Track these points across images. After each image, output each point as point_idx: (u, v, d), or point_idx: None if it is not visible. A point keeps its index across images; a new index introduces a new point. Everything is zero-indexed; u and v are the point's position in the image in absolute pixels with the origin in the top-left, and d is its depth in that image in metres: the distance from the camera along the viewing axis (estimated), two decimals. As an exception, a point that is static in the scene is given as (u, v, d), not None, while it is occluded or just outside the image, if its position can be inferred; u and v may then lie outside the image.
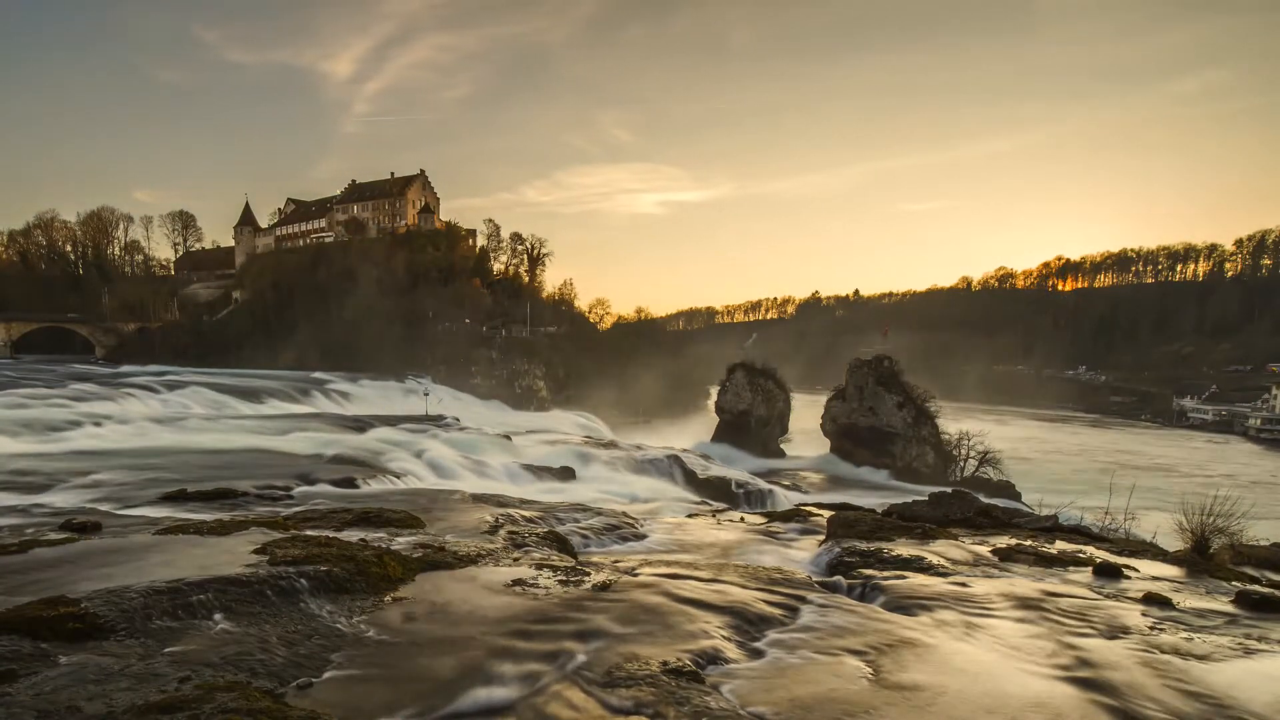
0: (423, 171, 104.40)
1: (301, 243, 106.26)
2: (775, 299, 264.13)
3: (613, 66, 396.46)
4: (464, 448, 31.08)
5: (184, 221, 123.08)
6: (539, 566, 5.80)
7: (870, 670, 3.93)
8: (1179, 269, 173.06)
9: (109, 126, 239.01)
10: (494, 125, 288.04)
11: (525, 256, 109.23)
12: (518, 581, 5.26)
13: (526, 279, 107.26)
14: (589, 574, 5.57)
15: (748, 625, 4.69)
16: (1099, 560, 6.66)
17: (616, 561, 6.65)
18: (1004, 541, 7.78)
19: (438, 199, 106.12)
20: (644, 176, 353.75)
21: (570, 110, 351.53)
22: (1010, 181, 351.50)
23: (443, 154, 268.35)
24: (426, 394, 60.39)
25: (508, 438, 37.98)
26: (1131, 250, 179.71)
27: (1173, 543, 8.71)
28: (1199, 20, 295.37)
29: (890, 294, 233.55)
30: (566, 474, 30.81)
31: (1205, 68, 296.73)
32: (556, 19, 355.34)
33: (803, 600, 5.29)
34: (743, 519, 10.36)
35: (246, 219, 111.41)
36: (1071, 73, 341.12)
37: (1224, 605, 5.50)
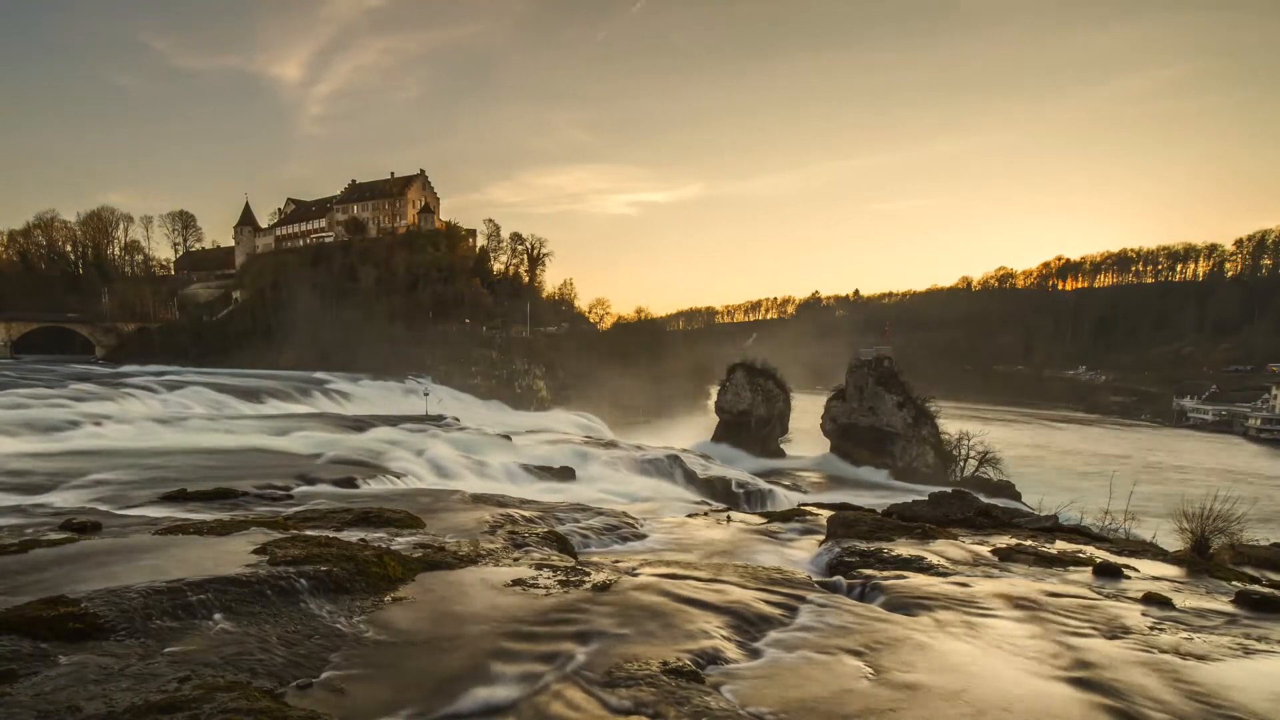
0: (422, 171, 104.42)
1: (301, 243, 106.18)
2: (775, 299, 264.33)
3: (557, 68, 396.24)
4: (464, 447, 31.07)
5: (184, 221, 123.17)
6: (539, 566, 5.80)
7: (870, 670, 3.93)
8: (1179, 269, 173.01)
9: (76, 129, 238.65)
10: (449, 128, 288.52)
11: (525, 256, 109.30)
12: (518, 581, 5.26)
13: (526, 279, 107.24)
14: (589, 574, 5.57)
15: (748, 625, 4.69)
16: (1099, 560, 6.66)
17: (617, 561, 6.65)
18: (1004, 541, 7.78)
19: (438, 199, 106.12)
20: (611, 177, 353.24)
21: (522, 111, 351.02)
22: (986, 181, 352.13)
23: (400, 157, 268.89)
24: (426, 394, 60.38)
25: (508, 438, 37.97)
26: (1131, 250, 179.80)
27: (1173, 543, 8.71)
28: (1195, 9, 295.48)
29: (890, 294, 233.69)
30: (566, 474, 30.79)
31: (1198, 58, 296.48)
32: (493, 22, 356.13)
33: (802, 600, 5.29)
34: (743, 519, 10.36)
35: (246, 219, 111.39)
36: (1054, 66, 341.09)
37: (1224, 605, 5.50)
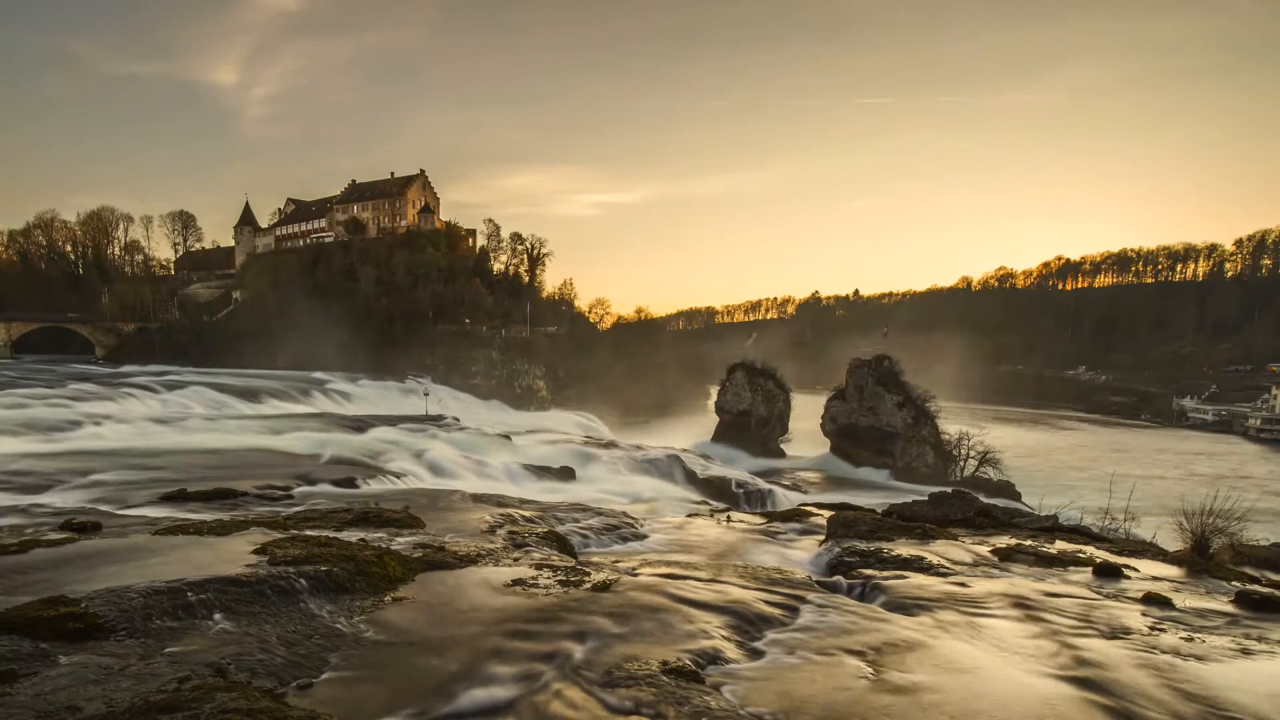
0: (422, 171, 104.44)
1: (301, 243, 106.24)
2: (775, 299, 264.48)
3: (485, 69, 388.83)
4: (464, 447, 31.10)
5: (184, 221, 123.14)
6: (539, 566, 5.80)
7: (870, 670, 3.93)
8: (1179, 269, 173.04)
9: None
10: (386, 130, 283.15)
11: (525, 256, 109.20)
12: (518, 581, 5.26)
13: (526, 279, 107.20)
14: (589, 574, 5.57)
15: (748, 625, 4.69)
16: (1099, 560, 6.66)
17: (616, 561, 6.65)
18: (1004, 541, 7.78)
19: (438, 199, 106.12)
20: (569, 178, 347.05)
21: (459, 113, 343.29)
22: (986, 180, 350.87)
23: (345, 160, 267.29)
24: (426, 394, 60.40)
25: (508, 437, 37.99)
26: (1131, 250, 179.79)
27: (1173, 543, 8.71)
28: (1195, 9, 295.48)
29: (890, 294, 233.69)
30: (566, 474, 30.81)
31: (1199, 56, 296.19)
32: (410, 27, 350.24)
33: (802, 600, 5.29)
34: (743, 519, 10.36)
35: (246, 219, 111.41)
36: (1056, 65, 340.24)
37: (1224, 605, 5.50)
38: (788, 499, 34.46)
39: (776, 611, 5.00)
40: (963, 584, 5.92)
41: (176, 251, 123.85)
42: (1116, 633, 4.72)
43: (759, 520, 10.18)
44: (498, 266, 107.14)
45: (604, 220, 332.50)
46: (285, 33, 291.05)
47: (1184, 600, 5.57)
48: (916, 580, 6.01)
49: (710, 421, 73.87)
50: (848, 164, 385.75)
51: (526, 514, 9.30)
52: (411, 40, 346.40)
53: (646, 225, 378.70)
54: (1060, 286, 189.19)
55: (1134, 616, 5.09)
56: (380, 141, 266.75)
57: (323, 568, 4.88)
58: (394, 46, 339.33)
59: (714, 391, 76.52)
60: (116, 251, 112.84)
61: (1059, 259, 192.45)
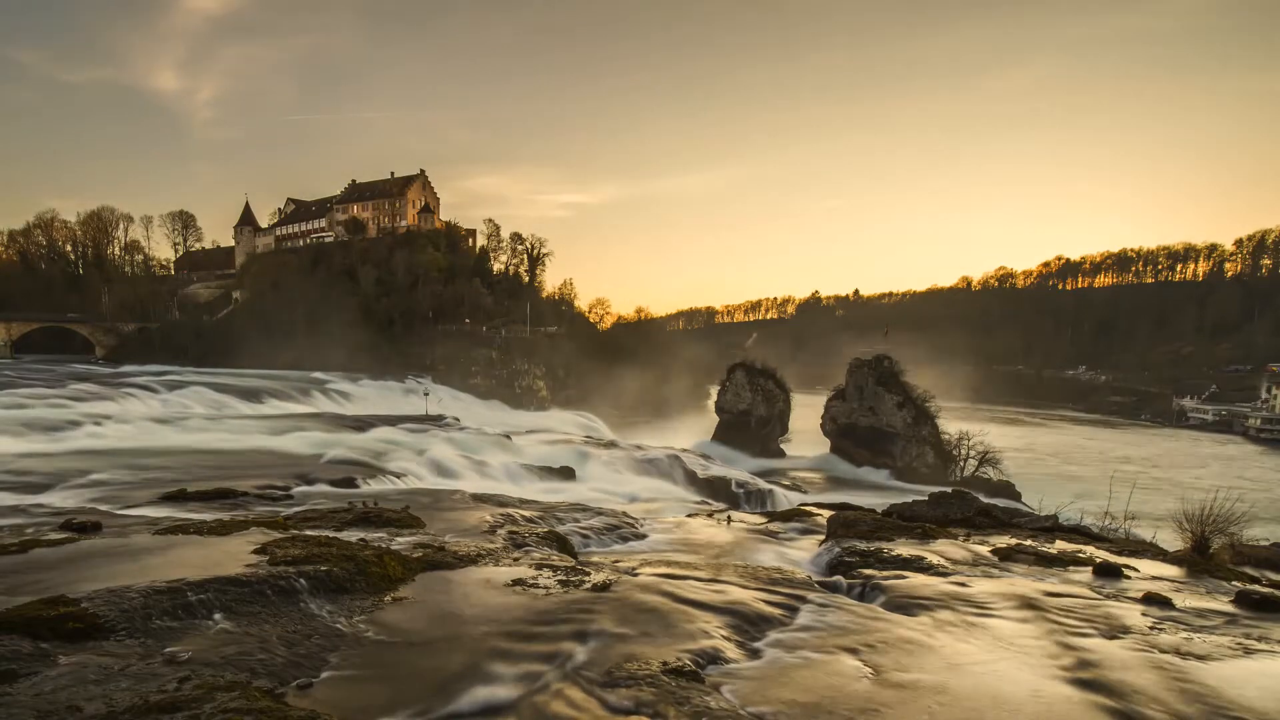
0: (423, 171, 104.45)
1: (301, 243, 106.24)
2: (775, 299, 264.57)
3: (425, 72, 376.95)
4: (464, 447, 31.10)
5: (184, 221, 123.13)
6: (539, 566, 5.80)
7: (870, 670, 3.93)
8: (1179, 269, 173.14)
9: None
10: (329, 133, 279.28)
11: (525, 256, 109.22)
12: (518, 581, 5.26)
13: (526, 279, 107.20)
14: (589, 574, 5.57)
15: (748, 625, 4.69)
16: (1099, 560, 6.66)
17: (616, 561, 6.65)
18: (1004, 541, 7.78)
19: (438, 199, 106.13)
20: (534, 179, 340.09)
21: (404, 114, 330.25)
22: (988, 179, 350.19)
23: (295, 164, 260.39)
24: (426, 394, 60.42)
25: (508, 437, 37.99)
26: (1131, 250, 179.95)
27: (1173, 543, 8.70)
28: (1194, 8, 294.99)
29: (890, 294, 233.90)
30: (566, 474, 30.82)
31: (1200, 55, 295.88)
32: (341, 30, 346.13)
33: (803, 600, 5.29)
34: (743, 519, 10.36)
35: (246, 219, 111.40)
36: (1054, 61, 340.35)
37: (1224, 605, 5.50)
38: (788, 499, 34.46)
39: (776, 611, 5.00)
40: (963, 584, 5.92)
41: (176, 251, 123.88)
42: (1116, 632, 4.72)
43: (759, 520, 10.18)
44: (497, 266, 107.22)
45: (574, 220, 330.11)
46: (217, 37, 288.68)
47: (1184, 600, 5.56)
48: (916, 580, 6.01)
49: (710, 421, 73.91)
50: (847, 164, 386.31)
51: (526, 514, 9.31)
52: (341, 43, 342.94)
53: (625, 223, 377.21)
54: (1060, 286, 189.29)
55: (1134, 616, 5.09)
56: (324, 145, 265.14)
57: (323, 568, 4.88)
58: (326, 49, 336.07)
59: (714, 391, 76.58)
60: (116, 251, 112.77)
61: (1059, 259, 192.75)
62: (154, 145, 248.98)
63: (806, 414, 71.63)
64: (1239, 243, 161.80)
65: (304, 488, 15.50)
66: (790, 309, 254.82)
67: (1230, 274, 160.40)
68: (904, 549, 7.09)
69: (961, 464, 57.54)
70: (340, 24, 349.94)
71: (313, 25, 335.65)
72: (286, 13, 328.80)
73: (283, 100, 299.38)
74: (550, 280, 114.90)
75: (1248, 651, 4.42)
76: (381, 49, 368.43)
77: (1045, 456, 78.72)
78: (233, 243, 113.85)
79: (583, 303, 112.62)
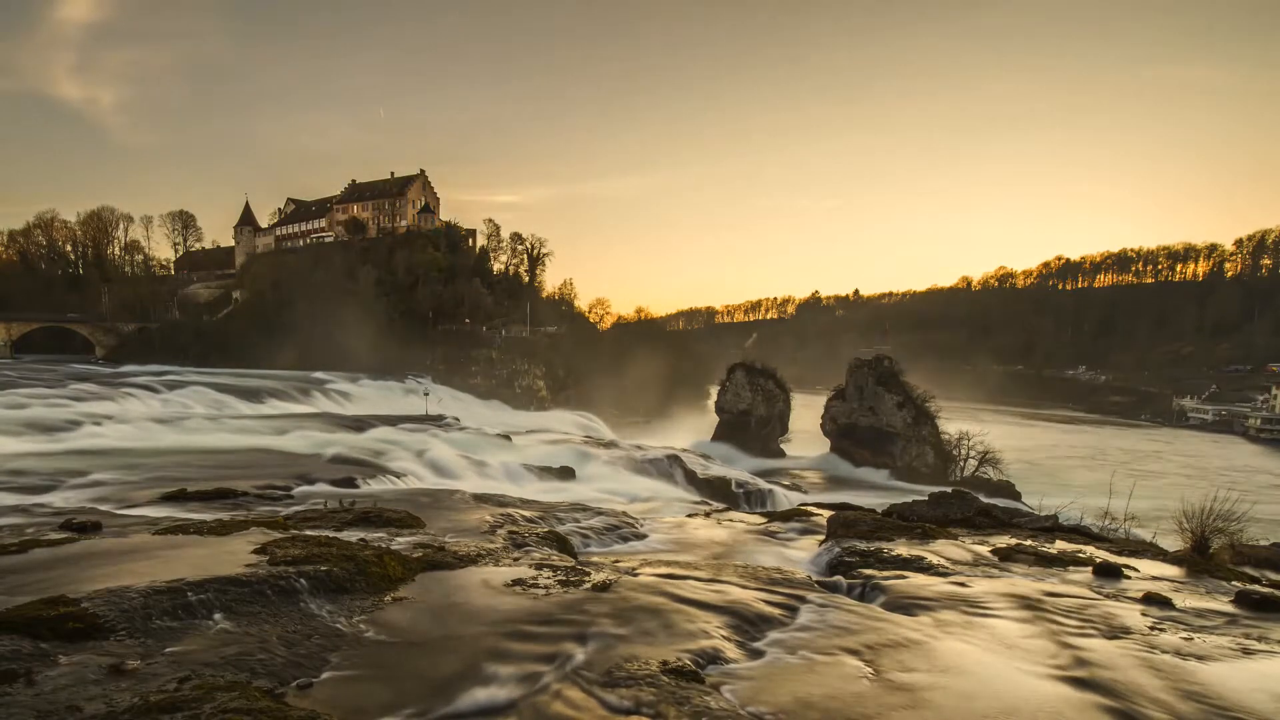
0: (423, 171, 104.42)
1: (301, 243, 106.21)
2: (775, 299, 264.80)
3: (317, 69, 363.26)
4: (464, 447, 31.07)
5: (184, 221, 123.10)
6: (539, 566, 5.80)
7: (870, 670, 3.93)
8: (1179, 269, 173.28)
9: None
10: (239, 138, 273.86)
11: (525, 256, 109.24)
12: (518, 581, 5.26)
13: (526, 279, 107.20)
14: (589, 574, 5.56)
15: (748, 625, 4.69)
16: (1099, 560, 6.66)
17: (616, 561, 6.65)
18: (1004, 541, 7.78)
19: (438, 199, 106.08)
20: (482, 176, 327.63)
21: (310, 116, 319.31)
22: (988, 178, 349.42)
23: (174, 170, 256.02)
24: (426, 394, 60.41)
25: (508, 437, 38.00)
26: (1131, 250, 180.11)
27: (1173, 543, 8.71)
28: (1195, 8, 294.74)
29: (890, 294, 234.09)
30: (566, 474, 30.79)
31: (1202, 56, 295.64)
32: (213, 35, 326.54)
33: (802, 600, 5.29)
34: (743, 519, 10.36)
35: (246, 219, 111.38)
36: (1053, 59, 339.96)
37: (1224, 605, 5.50)
38: (788, 499, 34.49)
39: (776, 611, 5.00)
40: (963, 584, 5.92)
41: (176, 251, 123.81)
42: (1116, 632, 4.72)
43: (759, 520, 10.18)
44: (497, 266, 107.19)
45: (574, 218, 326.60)
46: (97, 43, 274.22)
47: (1184, 600, 5.56)
48: (916, 580, 6.01)
49: (710, 421, 73.92)
50: (847, 164, 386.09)
51: (527, 514, 9.31)
52: (215, 48, 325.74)
53: (626, 222, 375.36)
54: (1060, 286, 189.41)
55: (1134, 616, 5.09)
56: (229, 147, 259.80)
57: (323, 567, 4.88)
58: (209, 52, 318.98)
59: (714, 391, 76.62)
60: (116, 251, 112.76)
61: (1059, 259, 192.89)
62: (67, 152, 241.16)
63: (806, 414, 71.70)
64: (1239, 243, 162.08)
65: (304, 488, 15.49)
66: (790, 309, 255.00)
67: (1230, 274, 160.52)
68: (904, 549, 7.09)
69: (961, 464, 57.59)
70: (212, 29, 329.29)
71: (190, 30, 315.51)
72: (156, 17, 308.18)
73: (178, 104, 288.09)
74: (550, 280, 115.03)
75: (1247, 652, 4.42)
76: (276, 51, 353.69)
77: (1045, 456, 78.71)
78: (233, 243, 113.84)
79: (583, 303, 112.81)
